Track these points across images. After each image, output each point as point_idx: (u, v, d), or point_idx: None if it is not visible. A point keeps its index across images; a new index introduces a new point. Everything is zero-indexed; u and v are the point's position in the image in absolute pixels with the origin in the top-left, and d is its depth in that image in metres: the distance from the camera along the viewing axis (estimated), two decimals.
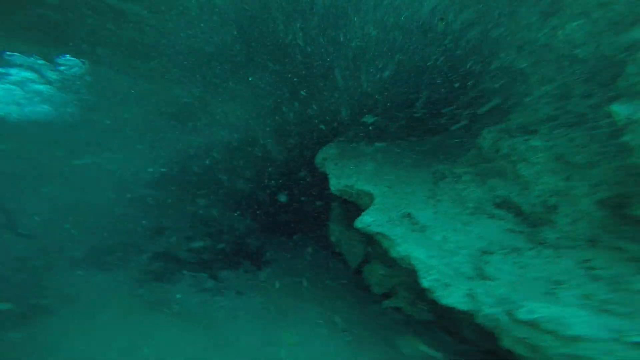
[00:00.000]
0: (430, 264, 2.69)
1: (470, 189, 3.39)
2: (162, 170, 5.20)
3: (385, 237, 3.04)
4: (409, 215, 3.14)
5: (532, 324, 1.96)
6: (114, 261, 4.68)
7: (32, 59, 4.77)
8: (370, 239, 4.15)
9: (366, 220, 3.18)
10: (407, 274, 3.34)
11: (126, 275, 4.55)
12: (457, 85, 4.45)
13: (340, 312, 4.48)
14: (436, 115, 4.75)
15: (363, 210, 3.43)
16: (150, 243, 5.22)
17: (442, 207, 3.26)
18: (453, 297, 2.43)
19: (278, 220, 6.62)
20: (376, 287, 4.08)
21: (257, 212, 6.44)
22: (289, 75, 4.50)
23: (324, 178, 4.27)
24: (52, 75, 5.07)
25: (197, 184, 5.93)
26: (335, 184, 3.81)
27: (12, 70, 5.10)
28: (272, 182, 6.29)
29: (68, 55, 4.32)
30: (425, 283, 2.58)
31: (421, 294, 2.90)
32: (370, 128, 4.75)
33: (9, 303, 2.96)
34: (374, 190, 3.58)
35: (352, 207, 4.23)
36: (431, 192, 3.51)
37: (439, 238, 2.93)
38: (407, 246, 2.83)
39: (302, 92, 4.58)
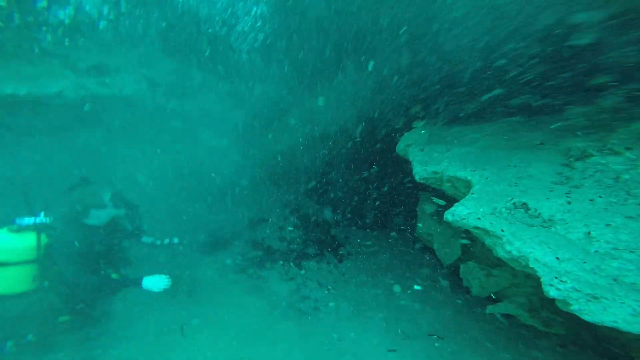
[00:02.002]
0: (561, 268, 1.88)
1: (638, 171, 2.26)
2: (259, 166, 5.81)
3: (488, 233, 2.35)
4: (524, 205, 2.33)
5: None
6: (222, 247, 5.52)
7: None
8: (468, 234, 3.38)
9: (460, 212, 2.56)
10: (523, 277, 2.51)
11: (230, 261, 5.26)
12: None
13: (427, 313, 3.86)
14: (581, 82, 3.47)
15: (457, 201, 2.79)
16: (250, 232, 5.92)
17: (581, 195, 2.28)
18: (610, 314, 1.61)
19: (363, 212, 6.39)
20: (477, 289, 3.25)
21: (343, 203, 6.39)
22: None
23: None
24: None
25: (287, 177, 6.39)
26: (420, 171, 3.28)
27: None
28: (359, 172, 6.13)
29: None
30: (553, 292, 1.82)
31: (546, 301, 2.11)
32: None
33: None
34: (471, 176, 2.87)
35: (446, 198, 3.56)
36: (562, 176, 2.53)
37: (577, 236, 2.03)
38: (522, 244, 2.09)
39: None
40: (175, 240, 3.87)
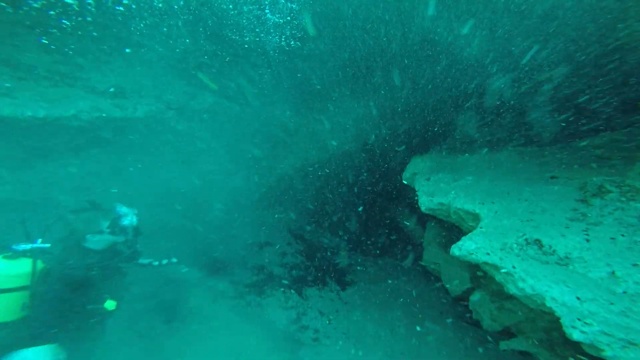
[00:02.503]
0: (584, 309, 1.71)
1: None
2: (263, 190, 5.78)
3: (498, 270, 2.20)
4: (537, 242, 2.20)
5: None
6: (224, 270, 5.37)
7: None
8: (476, 266, 3.19)
9: (468, 247, 2.42)
10: (540, 311, 2.29)
11: (230, 285, 5.09)
12: None
13: (434, 348, 3.56)
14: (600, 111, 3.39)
15: (465, 234, 2.67)
16: (252, 257, 5.78)
17: (601, 232, 2.13)
18: None
19: (368, 239, 6.20)
20: (488, 322, 2.98)
21: (347, 230, 6.23)
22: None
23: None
24: None
25: (292, 202, 6.32)
26: (426, 202, 3.18)
27: None
28: (363, 199, 6.02)
29: None
30: (577, 336, 1.64)
31: (567, 339, 1.90)
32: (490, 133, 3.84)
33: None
34: (480, 209, 2.76)
35: (453, 226, 3.42)
36: (577, 212, 2.39)
37: (599, 275, 1.87)
38: (536, 282, 1.93)
39: None
40: (174, 260, 3.79)
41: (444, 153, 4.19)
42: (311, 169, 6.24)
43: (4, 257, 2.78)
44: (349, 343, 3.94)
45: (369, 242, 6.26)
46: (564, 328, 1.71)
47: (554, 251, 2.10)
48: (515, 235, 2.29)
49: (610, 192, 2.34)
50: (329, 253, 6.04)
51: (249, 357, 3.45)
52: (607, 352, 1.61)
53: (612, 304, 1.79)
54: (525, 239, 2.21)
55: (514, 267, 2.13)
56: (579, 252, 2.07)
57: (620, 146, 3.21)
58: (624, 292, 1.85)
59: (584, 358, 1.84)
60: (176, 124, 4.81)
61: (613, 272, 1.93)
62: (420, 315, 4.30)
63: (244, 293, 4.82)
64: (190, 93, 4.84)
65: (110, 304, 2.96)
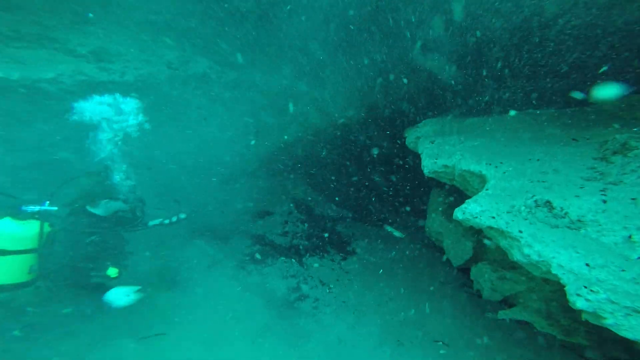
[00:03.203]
0: (592, 276, 1.58)
1: None
2: (263, 157, 5.63)
3: (504, 234, 2.05)
4: (547, 203, 2.01)
5: None
6: (224, 236, 5.41)
7: None
8: (480, 233, 3.07)
9: (472, 210, 2.26)
10: (540, 281, 2.20)
11: (231, 252, 5.13)
12: None
13: (434, 317, 3.58)
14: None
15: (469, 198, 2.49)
16: (252, 226, 5.78)
17: (620, 192, 1.93)
18: None
19: (371, 208, 6.12)
20: (488, 292, 2.94)
21: (350, 199, 6.14)
22: None
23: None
24: None
25: (294, 170, 6.20)
26: (430, 165, 2.98)
27: None
28: (368, 167, 5.85)
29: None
30: (581, 303, 1.52)
31: (567, 308, 1.82)
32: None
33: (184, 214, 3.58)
34: (486, 170, 2.56)
35: (458, 193, 3.26)
36: (595, 171, 2.18)
37: (614, 240, 1.71)
38: (543, 247, 1.78)
39: None
40: (182, 215, 3.78)
41: (449, 117, 3.90)
42: (312, 137, 6.03)
43: (14, 218, 2.75)
44: (347, 311, 3.97)
45: (372, 211, 6.17)
46: (568, 296, 1.58)
47: (565, 214, 1.92)
48: (524, 197, 2.11)
49: (635, 148, 2.10)
50: (330, 222, 6.01)
51: (248, 325, 3.51)
52: (609, 320, 1.50)
53: (623, 270, 1.65)
54: (535, 201, 2.03)
55: (520, 232, 1.98)
56: (594, 214, 1.89)
57: None
58: (639, 258, 1.70)
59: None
60: (170, 89, 4.57)
61: (630, 237, 1.76)
62: (420, 285, 4.28)
63: (244, 262, 4.87)
64: (183, 58, 4.54)
65: (112, 271, 2.97)
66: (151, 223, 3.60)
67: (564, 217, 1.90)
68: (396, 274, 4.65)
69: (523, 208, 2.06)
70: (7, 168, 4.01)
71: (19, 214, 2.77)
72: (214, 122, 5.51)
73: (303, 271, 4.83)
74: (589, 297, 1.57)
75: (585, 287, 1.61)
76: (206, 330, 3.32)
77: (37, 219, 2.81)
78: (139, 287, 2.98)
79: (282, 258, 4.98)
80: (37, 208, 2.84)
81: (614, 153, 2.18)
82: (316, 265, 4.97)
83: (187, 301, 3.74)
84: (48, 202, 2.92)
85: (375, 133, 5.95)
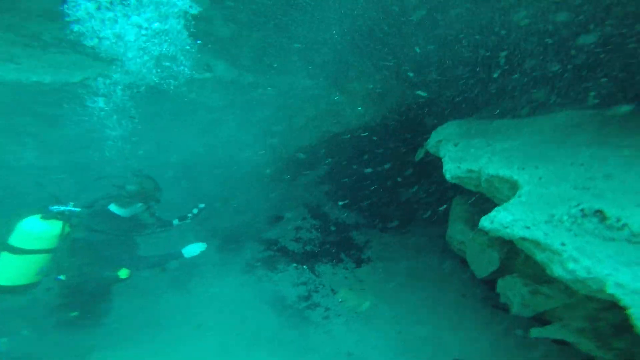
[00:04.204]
0: None
1: None
2: (278, 163, 5.57)
3: (540, 246, 1.79)
4: (599, 213, 1.74)
5: None
6: (235, 243, 5.34)
7: None
8: (507, 242, 2.77)
9: (502, 219, 2.01)
10: (583, 297, 1.90)
11: (241, 258, 5.04)
12: None
13: (454, 333, 3.27)
14: None
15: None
16: (265, 231, 5.69)
17: None
18: None
19: (388, 215, 5.86)
20: (518, 306, 2.61)
21: (366, 205, 5.92)
22: None
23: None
24: None
25: (309, 175, 6.08)
26: (453, 169, 2.74)
27: None
28: (385, 173, 5.64)
29: None
30: None
31: (625, 331, 1.54)
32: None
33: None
34: (519, 175, 2.29)
35: (483, 201, 2.99)
36: None
37: None
38: (593, 263, 1.52)
39: None
40: (201, 205, 3.74)
41: (474, 117, 3.64)
42: (327, 142, 5.90)
43: (42, 217, 2.77)
44: (359, 322, 3.75)
45: (388, 219, 5.92)
46: (634, 320, 1.32)
47: (623, 225, 1.64)
48: (567, 205, 1.84)
49: None
50: (345, 229, 5.81)
51: (256, 333, 3.37)
52: None
53: None
54: (582, 210, 1.76)
55: (563, 245, 1.71)
56: None
57: None
58: None
59: None
60: (188, 92, 4.60)
61: None
62: (439, 297, 3.98)
63: (255, 267, 4.76)
64: (202, 60, 4.57)
65: (123, 272, 2.94)
66: (175, 222, 3.58)
67: (621, 229, 1.62)
68: (414, 284, 4.37)
69: (566, 217, 1.79)
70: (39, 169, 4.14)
71: (46, 213, 2.79)
72: (230, 126, 5.51)
73: (315, 279, 4.65)
74: None
75: None
76: (211, 337, 3.21)
77: (59, 219, 2.81)
78: (206, 245, 3.24)
79: (294, 264, 4.83)
80: (62, 208, 2.85)
81: None
82: (329, 272, 4.78)
83: (194, 306, 3.66)
84: (72, 203, 2.94)
85: (394, 137, 5.74)
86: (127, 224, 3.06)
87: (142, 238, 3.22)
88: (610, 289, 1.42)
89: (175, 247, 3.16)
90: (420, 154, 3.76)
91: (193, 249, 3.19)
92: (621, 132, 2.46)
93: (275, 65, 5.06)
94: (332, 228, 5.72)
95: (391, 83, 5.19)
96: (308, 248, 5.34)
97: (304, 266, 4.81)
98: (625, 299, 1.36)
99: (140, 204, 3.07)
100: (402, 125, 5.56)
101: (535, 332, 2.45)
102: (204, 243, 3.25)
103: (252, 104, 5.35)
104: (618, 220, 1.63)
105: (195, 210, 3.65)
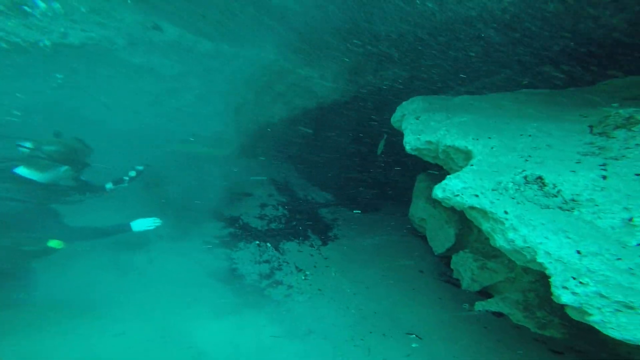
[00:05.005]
0: (582, 265, 1.33)
1: None
2: (244, 138, 5.26)
3: (487, 216, 1.78)
4: (539, 179, 1.74)
5: None
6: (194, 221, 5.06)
7: None
8: (463, 218, 2.82)
9: (453, 187, 1.98)
10: (520, 270, 1.97)
11: (198, 235, 4.77)
12: None
13: (408, 308, 3.37)
14: None
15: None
16: (226, 208, 5.44)
17: (623, 168, 1.68)
18: None
19: (356, 193, 5.86)
20: (468, 282, 2.72)
21: (334, 183, 5.85)
22: None
23: None
24: None
25: (277, 151, 5.87)
26: (412, 141, 2.69)
27: None
28: (353, 151, 5.57)
29: None
30: (566, 298, 1.28)
31: (545, 299, 1.60)
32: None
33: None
34: (473, 146, 2.27)
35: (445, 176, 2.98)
36: (593, 146, 1.91)
37: (611, 222, 1.46)
38: (530, 232, 1.52)
39: None
40: (140, 167, 3.44)
41: (438, 94, 3.60)
42: (298, 118, 5.67)
43: None
44: (322, 300, 3.73)
45: (356, 196, 5.91)
46: (553, 288, 1.33)
47: (558, 192, 1.65)
48: (512, 172, 1.83)
49: (638, 122, 1.83)
50: (313, 206, 5.73)
51: (209, 312, 3.22)
52: (595, 317, 1.27)
53: (619, 259, 1.40)
54: (525, 177, 1.76)
55: (506, 213, 1.71)
56: (590, 192, 1.63)
57: None
58: (638, 245, 1.45)
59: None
60: (130, 56, 4.10)
61: (631, 219, 1.51)
62: (398, 274, 4.06)
63: (213, 246, 4.55)
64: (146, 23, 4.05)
65: (55, 243, 2.60)
66: (108, 186, 3.24)
67: (556, 196, 1.63)
68: (376, 262, 4.42)
69: (511, 185, 1.79)
70: None
71: None
72: (188, 96, 5.08)
73: (279, 256, 4.56)
74: (577, 290, 1.33)
75: (574, 278, 1.36)
76: (157, 318, 3.01)
77: None
78: (161, 221, 3.06)
79: (256, 242, 4.69)
80: None
81: (616, 127, 1.91)
82: (294, 250, 4.70)
83: (137, 285, 3.40)
84: None
85: (363, 114, 5.63)
86: (44, 190, 2.68)
87: (68, 207, 2.86)
88: (540, 258, 1.43)
89: (124, 220, 2.91)
90: (380, 148, 3.70)
91: (143, 224, 2.97)
92: (565, 107, 2.51)
93: (241, 34, 4.66)
94: (300, 206, 5.62)
95: (361, 59, 5.02)
96: (273, 226, 5.21)
97: (267, 243, 4.69)
98: (549, 267, 1.37)
99: (65, 168, 2.70)
100: (374, 103, 5.46)
101: (479, 305, 2.54)
102: (158, 218, 3.04)
103: (213, 74, 4.94)
104: (554, 186, 1.65)
105: (132, 173, 3.33)
